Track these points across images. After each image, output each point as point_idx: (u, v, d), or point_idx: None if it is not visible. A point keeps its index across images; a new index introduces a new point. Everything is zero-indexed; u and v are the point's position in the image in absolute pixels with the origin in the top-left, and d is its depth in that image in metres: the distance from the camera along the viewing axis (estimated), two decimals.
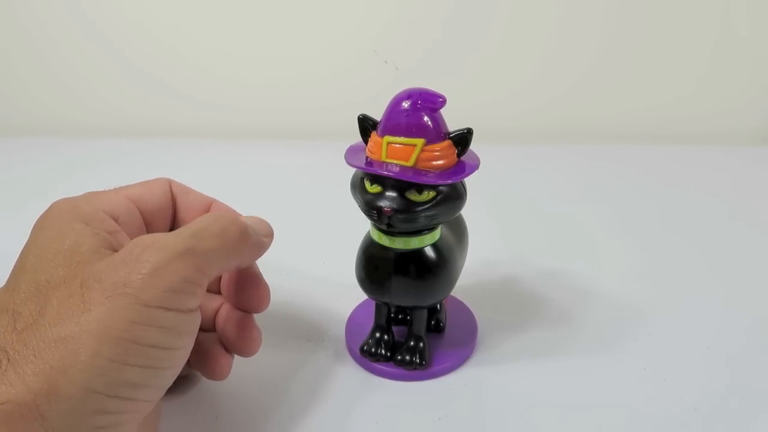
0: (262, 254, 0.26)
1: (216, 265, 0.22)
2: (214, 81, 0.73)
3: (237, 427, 0.27)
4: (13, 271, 0.21)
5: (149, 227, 0.27)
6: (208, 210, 0.28)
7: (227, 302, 0.28)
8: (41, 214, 0.23)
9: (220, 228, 0.23)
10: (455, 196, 0.26)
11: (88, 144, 0.69)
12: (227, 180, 0.58)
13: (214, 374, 0.26)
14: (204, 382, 0.29)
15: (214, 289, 0.29)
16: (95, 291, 0.19)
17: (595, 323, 0.35)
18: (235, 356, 0.27)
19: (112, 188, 0.26)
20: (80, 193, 0.25)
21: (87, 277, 0.20)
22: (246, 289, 0.27)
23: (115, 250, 0.22)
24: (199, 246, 0.21)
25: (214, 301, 0.28)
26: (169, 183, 0.28)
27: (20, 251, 0.22)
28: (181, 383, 0.29)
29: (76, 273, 0.20)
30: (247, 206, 0.30)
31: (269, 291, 0.27)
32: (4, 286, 0.21)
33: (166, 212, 0.27)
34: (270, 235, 0.26)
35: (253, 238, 0.24)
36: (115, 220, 0.24)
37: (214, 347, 0.26)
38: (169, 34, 0.71)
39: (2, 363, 0.18)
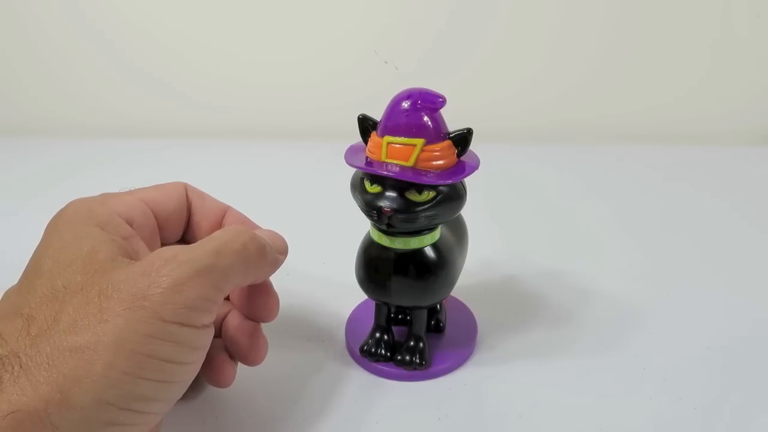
0: (276, 271, 0.26)
1: (233, 281, 0.22)
2: (214, 81, 0.73)
3: (237, 427, 0.27)
4: (26, 272, 0.21)
5: (163, 231, 0.27)
6: (222, 217, 0.28)
7: (235, 310, 0.28)
8: (56, 214, 0.23)
9: (240, 244, 0.22)
10: (455, 196, 0.26)
11: (88, 144, 0.69)
12: (227, 180, 0.57)
13: (219, 381, 0.26)
14: (204, 383, 0.29)
15: None
16: (113, 301, 0.19)
17: (595, 323, 0.35)
18: None
19: (126, 190, 0.26)
20: (80, 194, 0.25)
21: (105, 287, 0.20)
22: (256, 298, 0.27)
23: (131, 257, 0.22)
24: (219, 263, 0.21)
25: (222, 308, 0.28)
26: (185, 187, 0.28)
27: (33, 251, 0.22)
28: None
29: (93, 281, 0.20)
30: (246, 207, 0.30)
31: (279, 301, 0.27)
32: (17, 287, 0.21)
33: (180, 217, 0.27)
34: (285, 251, 0.26)
35: (270, 256, 0.24)
36: (130, 224, 0.24)
37: (219, 354, 0.26)
38: (168, 35, 0.71)
39: (14, 369, 0.18)
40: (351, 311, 0.34)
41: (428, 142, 0.24)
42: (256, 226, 0.28)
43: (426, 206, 0.25)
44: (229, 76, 0.72)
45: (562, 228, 0.48)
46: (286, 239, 0.27)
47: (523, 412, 0.27)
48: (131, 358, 0.18)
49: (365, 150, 0.26)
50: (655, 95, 0.71)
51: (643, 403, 0.28)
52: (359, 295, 0.31)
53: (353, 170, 0.27)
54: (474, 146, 0.26)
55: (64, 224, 0.22)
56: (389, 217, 0.25)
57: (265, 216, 0.30)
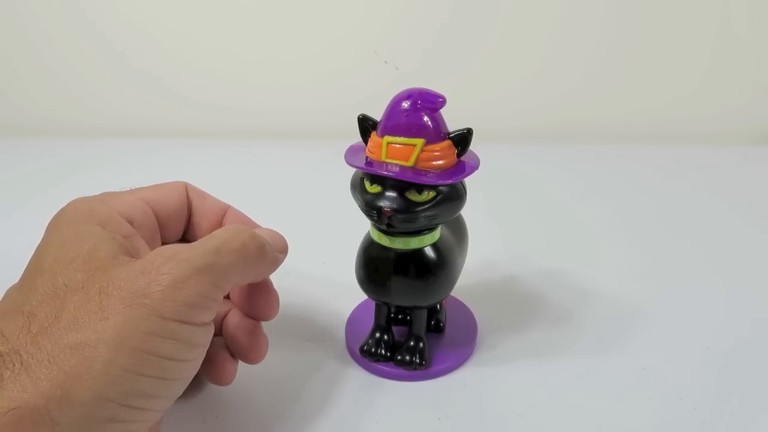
0: (276, 269, 0.26)
1: (233, 280, 0.22)
2: (214, 81, 0.73)
3: (237, 427, 0.27)
4: (27, 270, 0.21)
5: (163, 230, 0.27)
6: (223, 216, 0.28)
7: (236, 308, 0.28)
8: (57, 213, 0.23)
9: (239, 243, 0.23)
10: (455, 196, 0.26)
11: (88, 144, 0.69)
12: (227, 180, 0.57)
13: (220, 380, 0.26)
14: (205, 382, 0.29)
15: None
16: (113, 299, 0.19)
17: (595, 323, 0.35)
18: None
19: (128, 189, 0.26)
20: (80, 194, 0.25)
21: (106, 284, 0.20)
22: (256, 297, 0.27)
23: (131, 255, 0.22)
24: (219, 261, 0.21)
25: (222, 307, 0.28)
26: (185, 186, 0.28)
27: (35, 250, 0.22)
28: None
29: (94, 279, 0.20)
30: (247, 206, 0.30)
31: (279, 299, 0.27)
32: (18, 285, 0.21)
33: (180, 216, 0.27)
34: (285, 250, 0.26)
35: (270, 255, 0.24)
36: (131, 222, 0.24)
37: (220, 353, 0.26)
38: (168, 35, 0.71)
39: (15, 366, 0.18)
40: (351, 311, 0.34)
41: (428, 142, 0.24)
42: (256, 225, 0.29)
43: (426, 206, 0.25)
44: (230, 76, 0.73)
45: (562, 228, 0.48)
46: (286, 239, 0.27)
47: (523, 412, 0.27)
48: (131, 355, 0.19)
49: (365, 150, 0.26)
50: (655, 95, 0.71)
51: (643, 403, 0.28)
52: (359, 295, 0.31)
53: (353, 170, 0.27)
54: (474, 146, 0.26)
55: (65, 223, 0.22)
56: (389, 217, 0.25)
57: (266, 215, 0.30)
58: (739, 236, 0.46)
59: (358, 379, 0.30)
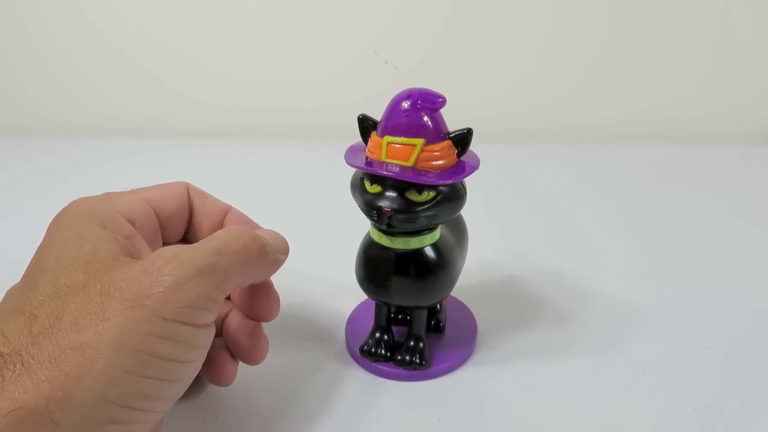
0: (277, 270, 0.26)
1: (234, 281, 0.22)
2: (214, 81, 0.73)
3: (237, 427, 0.27)
4: (28, 271, 0.21)
5: (164, 231, 0.27)
6: (224, 216, 0.28)
7: (236, 309, 0.28)
8: (58, 213, 0.23)
9: (241, 245, 0.23)
10: (455, 196, 0.26)
11: (88, 144, 0.69)
12: (228, 180, 0.57)
13: (220, 380, 0.26)
14: (205, 382, 0.29)
15: None
16: (115, 300, 0.19)
17: (595, 323, 0.35)
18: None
19: (129, 190, 0.26)
20: (81, 194, 0.25)
21: (107, 285, 0.20)
22: (257, 298, 0.27)
23: (132, 256, 0.22)
24: (220, 263, 0.21)
25: (223, 308, 0.28)
26: (187, 187, 0.28)
27: (36, 250, 0.22)
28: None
29: (95, 280, 0.20)
30: (247, 206, 0.30)
31: (279, 300, 0.27)
32: (19, 285, 0.21)
33: (182, 216, 0.27)
34: (286, 252, 0.26)
35: (271, 256, 0.24)
36: (132, 223, 0.24)
37: (220, 353, 0.26)
38: (168, 35, 0.71)
39: (16, 367, 0.18)
40: (351, 311, 0.34)
41: (428, 142, 0.24)
42: (257, 226, 0.29)
43: (426, 206, 0.25)
44: (230, 76, 0.73)
45: (562, 228, 0.48)
46: (286, 239, 0.27)
47: (523, 412, 0.27)
48: (132, 357, 0.19)
49: (365, 150, 0.26)
50: (655, 95, 0.71)
51: (643, 403, 0.28)
52: (359, 295, 0.31)
53: (353, 170, 0.27)
54: (474, 146, 0.26)
55: (67, 223, 0.22)
56: (389, 217, 0.25)
57: (266, 216, 0.30)
58: (739, 236, 0.46)
59: (358, 379, 0.30)
